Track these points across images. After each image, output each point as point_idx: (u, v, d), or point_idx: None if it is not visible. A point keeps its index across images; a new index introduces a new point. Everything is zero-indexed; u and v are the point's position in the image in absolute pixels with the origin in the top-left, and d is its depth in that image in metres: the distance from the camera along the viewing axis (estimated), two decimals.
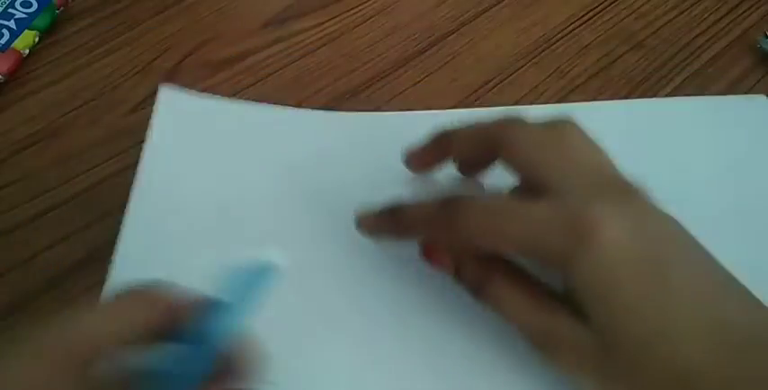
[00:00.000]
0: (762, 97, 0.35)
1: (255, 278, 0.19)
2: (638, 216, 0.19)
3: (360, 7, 0.40)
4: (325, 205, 0.29)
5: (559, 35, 0.38)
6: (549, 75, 0.36)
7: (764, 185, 0.31)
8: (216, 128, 0.33)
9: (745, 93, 0.35)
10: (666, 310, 0.18)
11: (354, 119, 0.33)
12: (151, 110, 0.35)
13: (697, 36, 0.37)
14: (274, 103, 0.35)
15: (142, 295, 0.19)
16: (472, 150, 0.24)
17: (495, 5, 0.39)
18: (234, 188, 0.30)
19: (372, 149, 0.30)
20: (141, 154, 0.31)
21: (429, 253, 0.24)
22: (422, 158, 0.26)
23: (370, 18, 0.39)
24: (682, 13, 0.39)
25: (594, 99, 0.35)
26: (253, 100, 0.35)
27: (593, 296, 0.18)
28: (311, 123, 0.33)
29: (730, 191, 0.30)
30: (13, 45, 0.37)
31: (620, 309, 0.18)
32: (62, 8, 0.39)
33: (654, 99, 0.35)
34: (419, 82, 0.36)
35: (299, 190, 0.30)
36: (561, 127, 0.22)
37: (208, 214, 0.29)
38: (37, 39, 0.38)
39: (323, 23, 0.39)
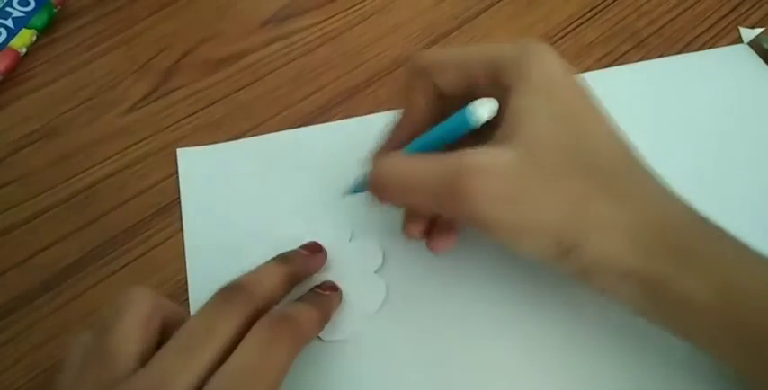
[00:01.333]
0: (743, 46, 0.36)
1: None
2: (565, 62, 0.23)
3: (359, 5, 0.39)
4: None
5: (561, 33, 0.38)
6: None
7: (754, 130, 0.32)
8: (232, 167, 0.33)
9: None
10: (591, 119, 0.22)
11: (346, 126, 0.34)
12: (149, 109, 0.35)
13: (699, 35, 0.37)
14: (273, 102, 0.35)
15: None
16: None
17: (496, 3, 0.39)
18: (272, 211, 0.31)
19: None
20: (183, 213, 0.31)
21: None
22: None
23: (370, 16, 0.39)
24: (684, 11, 0.38)
25: None
26: (251, 98, 0.35)
27: (537, 95, 0.21)
28: (305, 139, 0.33)
29: (724, 139, 0.32)
30: (10, 44, 0.37)
31: (557, 108, 0.21)
32: (60, 7, 0.39)
33: (636, 63, 0.36)
34: None
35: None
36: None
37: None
38: (34, 38, 0.38)
39: (322, 22, 0.39)
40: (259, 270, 0.23)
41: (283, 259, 0.25)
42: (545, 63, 0.22)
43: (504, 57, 0.22)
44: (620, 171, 0.21)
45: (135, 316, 0.20)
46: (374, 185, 0.23)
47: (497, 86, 0.22)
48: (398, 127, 0.26)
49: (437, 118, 0.24)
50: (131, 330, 0.20)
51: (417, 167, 0.22)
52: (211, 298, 0.21)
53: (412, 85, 0.25)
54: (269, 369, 0.19)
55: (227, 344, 0.20)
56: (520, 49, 0.22)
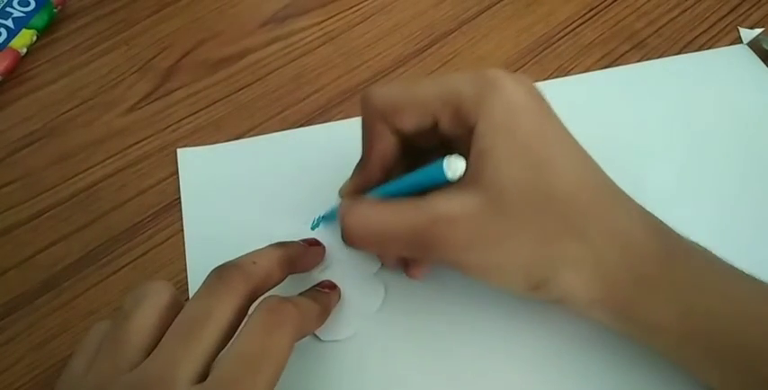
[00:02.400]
0: (742, 46, 0.36)
1: None
2: (528, 84, 0.22)
3: (359, 5, 0.39)
4: None
5: (561, 34, 0.38)
6: (551, 75, 0.36)
7: (753, 130, 0.32)
8: (232, 167, 0.33)
9: None
10: (553, 153, 0.21)
11: (339, 128, 0.34)
12: (149, 109, 0.35)
13: (699, 35, 0.37)
14: (273, 102, 0.35)
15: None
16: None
17: (496, 4, 0.39)
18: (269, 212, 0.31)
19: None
20: (182, 211, 0.31)
21: None
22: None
23: (370, 16, 0.39)
24: (683, 11, 0.38)
25: None
26: (252, 99, 0.35)
27: (498, 134, 0.21)
28: (301, 140, 0.33)
29: (724, 139, 0.32)
30: (10, 44, 0.37)
31: (517, 146, 0.21)
32: (60, 7, 0.39)
33: (635, 64, 0.36)
34: None
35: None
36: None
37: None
38: (35, 38, 0.38)
39: (322, 22, 0.39)
40: (255, 251, 0.23)
41: (280, 244, 0.24)
42: (504, 97, 0.21)
43: (462, 94, 0.22)
44: (581, 204, 0.21)
45: (152, 308, 0.20)
46: (346, 234, 0.23)
47: (460, 124, 0.22)
48: (365, 167, 0.25)
49: (401, 154, 0.25)
50: (147, 321, 0.20)
51: (388, 219, 0.22)
52: (206, 279, 0.21)
53: (371, 130, 0.24)
54: (271, 354, 0.19)
55: (226, 327, 0.20)
56: (478, 85, 0.22)
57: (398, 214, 0.22)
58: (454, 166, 0.21)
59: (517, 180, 0.21)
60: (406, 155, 0.25)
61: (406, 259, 0.27)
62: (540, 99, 0.22)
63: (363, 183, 0.26)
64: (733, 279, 0.22)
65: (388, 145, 0.24)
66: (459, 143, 0.22)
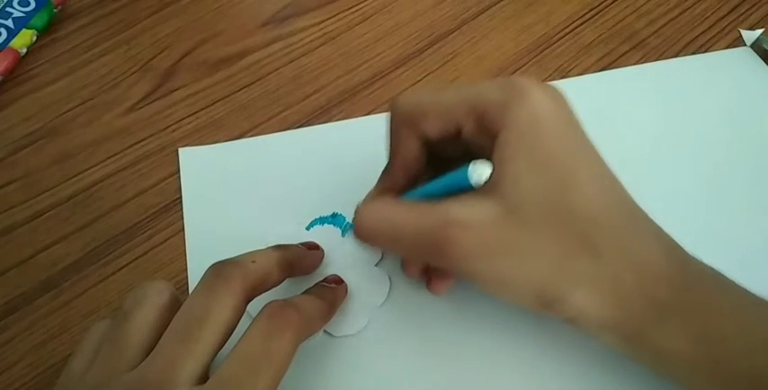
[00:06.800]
0: (745, 48, 0.36)
1: None
2: (556, 94, 0.22)
3: (359, 6, 0.39)
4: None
5: (561, 34, 0.38)
6: (551, 75, 0.36)
7: (756, 134, 0.32)
8: (233, 167, 0.33)
9: None
10: (575, 167, 0.21)
11: (339, 128, 0.34)
12: (149, 109, 0.35)
13: (699, 35, 0.37)
14: (273, 102, 0.35)
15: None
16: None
17: (496, 4, 0.39)
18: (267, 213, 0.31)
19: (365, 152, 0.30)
20: (183, 211, 0.31)
21: None
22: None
23: (370, 16, 0.39)
24: (683, 11, 0.38)
25: None
26: (252, 99, 0.35)
27: (521, 143, 0.20)
28: (303, 140, 0.33)
29: (727, 143, 0.32)
30: (10, 44, 0.37)
31: (540, 158, 0.20)
32: (60, 7, 0.39)
33: (638, 66, 0.35)
34: (419, 81, 0.36)
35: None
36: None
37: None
38: (35, 38, 0.38)
39: (322, 22, 0.39)
40: (254, 251, 0.23)
41: (278, 246, 0.24)
42: (530, 105, 0.21)
43: (488, 100, 0.21)
44: (601, 222, 0.20)
45: (152, 308, 0.20)
46: (357, 228, 0.23)
47: (484, 131, 0.22)
48: (389, 172, 0.25)
49: (427, 164, 0.25)
50: (147, 321, 0.20)
51: (401, 217, 0.22)
52: (204, 275, 0.21)
53: (398, 134, 0.24)
54: (272, 358, 0.19)
55: (224, 326, 0.20)
56: (505, 92, 0.21)
57: (412, 213, 0.22)
58: (479, 171, 0.20)
59: (536, 192, 0.20)
60: (433, 167, 0.25)
61: (429, 273, 0.27)
62: (567, 109, 0.22)
63: (387, 189, 0.25)
64: (747, 305, 0.21)
65: (412, 150, 0.24)
66: (483, 152, 0.22)
